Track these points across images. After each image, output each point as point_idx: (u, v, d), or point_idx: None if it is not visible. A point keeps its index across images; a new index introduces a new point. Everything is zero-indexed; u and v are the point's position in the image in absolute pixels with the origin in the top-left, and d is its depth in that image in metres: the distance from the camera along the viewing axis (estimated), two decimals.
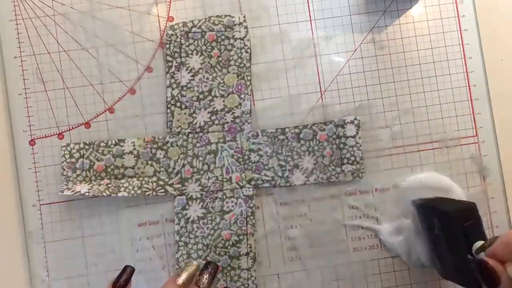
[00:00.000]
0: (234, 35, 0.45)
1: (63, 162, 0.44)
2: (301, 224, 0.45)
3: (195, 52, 0.45)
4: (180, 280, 0.36)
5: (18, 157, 0.45)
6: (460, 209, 0.38)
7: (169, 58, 0.45)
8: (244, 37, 0.45)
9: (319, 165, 0.45)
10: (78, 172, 0.44)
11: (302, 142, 0.45)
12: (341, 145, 0.45)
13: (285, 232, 0.45)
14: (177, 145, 0.45)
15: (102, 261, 0.44)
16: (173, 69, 0.45)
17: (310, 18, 0.46)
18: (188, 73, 0.45)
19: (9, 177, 0.45)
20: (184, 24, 0.45)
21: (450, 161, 0.46)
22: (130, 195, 0.43)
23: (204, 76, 0.45)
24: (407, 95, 0.46)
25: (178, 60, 0.45)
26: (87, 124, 0.45)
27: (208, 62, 0.45)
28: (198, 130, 0.45)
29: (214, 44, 0.45)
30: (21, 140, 0.45)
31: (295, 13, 0.46)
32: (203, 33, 0.45)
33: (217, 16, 0.45)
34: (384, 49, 0.46)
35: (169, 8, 0.46)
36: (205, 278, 0.37)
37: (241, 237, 0.44)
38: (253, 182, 0.44)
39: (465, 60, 0.46)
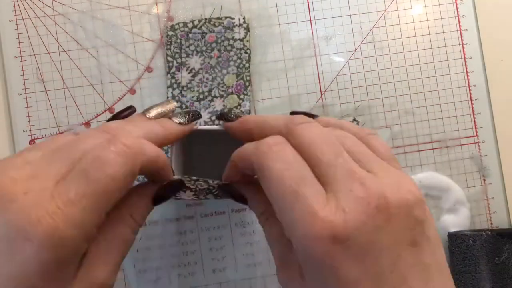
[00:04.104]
0: (233, 36, 0.45)
1: None
2: None
3: (195, 52, 0.45)
4: (151, 114, 0.31)
5: None
6: None
7: (169, 59, 0.45)
8: (244, 38, 0.45)
9: None
10: None
11: None
12: None
13: None
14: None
15: None
16: (173, 69, 0.45)
17: (310, 18, 0.46)
18: (189, 73, 0.45)
19: None
20: (185, 24, 0.45)
21: (450, 161, 0.46)
22: None
23: (204, 77, 0.45)
24: (407, 95, 0.46)
25: (179, 60, 0.45)
26: (87, 124, 0.45)
27: (208, 63, 0.45)
28: None
29: (214, 45, 0.45)
30: (21, 140, 0.45)
31: (295, 13, 0.46)
32: (204, 34, 0.45)
33: (217, 18, 0.45)
34: (384, 49, 0.46)
35: (169, 8, 0.46)
36: (181, 116, 0.32)
37: None
38: None
39: (465, 60, 0.46)
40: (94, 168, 0.24)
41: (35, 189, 0.24)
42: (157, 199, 0.30)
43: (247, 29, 0.45)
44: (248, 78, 0.45)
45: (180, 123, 0.32)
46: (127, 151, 0.25)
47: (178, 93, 0.45)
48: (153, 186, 0.30)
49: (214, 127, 0.35)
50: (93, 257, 0.26)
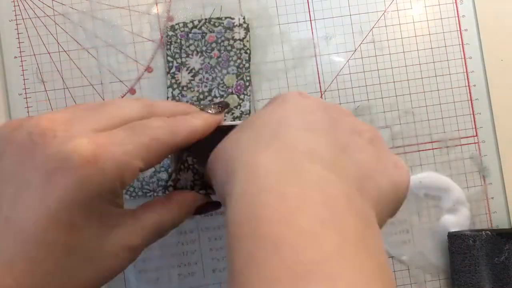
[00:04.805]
0: (233, 36, 0.45)
1: None
2: None
3: (195, 52, 0.45)
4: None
5: None
6: None
7: (169, 59, 0.45)
8: (244, 38, 0.45)
9: None
10: None
11: None
12: None
13: None
14: None
15: None
16: (173, 69, 0.45)
17: (310, 18, 0.46)
18: (189, 73, 0.45)
19: None
20: (185, 24, 0.45)
21: (450, 161, 0.46)
22: (132, 197, 0.43)
23: (204, 77, 0.45)
24: (407, 95, 0.46)
25: (179, 60, 0.45)
26: None
27: (208, 63, 0.45)
28: None
29: (214, 45, 0.45)
30: None
31: (295, 13, 0.46)
32: (204, 34, 0.45)
33: (217, 18, 0.45)
34: (384, 49, 0.46)
35: (169, 8, 0.46)
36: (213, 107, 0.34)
37: None
38: None
39: (465, 60, 0.46)
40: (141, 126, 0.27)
41: (76, 128, 0.24)
42: (197, 212, 0.33)
43: (247, 29, 0.45)
44: (248, 78, 0.45)
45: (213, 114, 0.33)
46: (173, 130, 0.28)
47: (178, 93, 0.45)
48: (198, 198, 0.33)
49: (231, 122, 0.36)
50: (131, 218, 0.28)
